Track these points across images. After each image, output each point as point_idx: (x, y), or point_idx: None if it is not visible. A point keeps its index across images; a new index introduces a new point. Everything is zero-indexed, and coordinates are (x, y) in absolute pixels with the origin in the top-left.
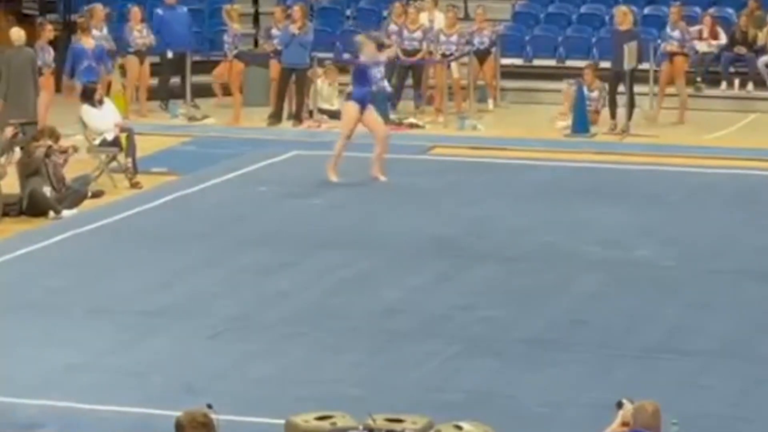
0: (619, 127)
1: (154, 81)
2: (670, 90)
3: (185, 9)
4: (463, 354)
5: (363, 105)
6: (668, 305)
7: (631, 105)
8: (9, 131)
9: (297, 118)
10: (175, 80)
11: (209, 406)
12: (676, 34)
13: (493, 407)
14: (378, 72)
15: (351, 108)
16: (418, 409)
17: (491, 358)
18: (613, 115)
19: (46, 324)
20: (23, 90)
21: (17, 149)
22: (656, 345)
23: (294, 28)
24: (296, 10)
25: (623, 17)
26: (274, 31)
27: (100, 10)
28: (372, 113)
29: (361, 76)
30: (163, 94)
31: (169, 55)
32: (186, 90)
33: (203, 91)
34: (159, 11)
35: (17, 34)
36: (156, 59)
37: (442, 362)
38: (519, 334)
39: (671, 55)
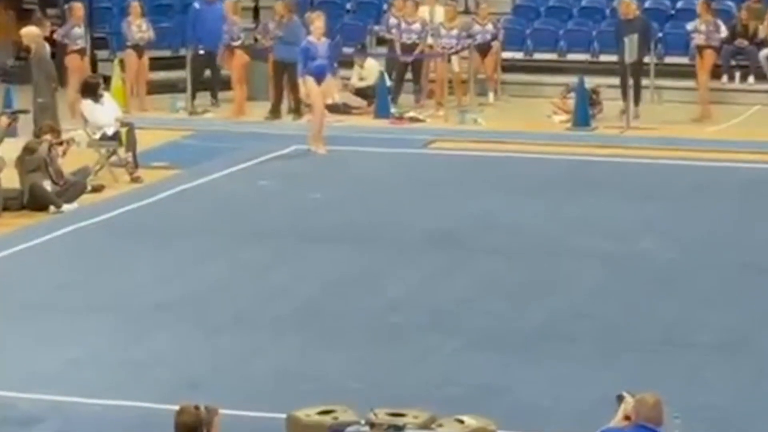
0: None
1: (157, 75)
2: (689, 84)
3: (221, 4)
4: (465, 348)
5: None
6: (671, 298)
7: (636, 97)
8: (3, 120)
9: (296, 112)
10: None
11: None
12: (704, 27)
13: (496, 401)
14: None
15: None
16: (419, 403)
17: (493, 352)
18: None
19: (47, 318)
20: None
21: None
22: (659, 338)
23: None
24: (277, 5)
25: (626, 8)
26: (271, 26)
27: (78, 8)
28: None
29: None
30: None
31: (201, 51)
32: (187, 84)
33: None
34: (196, 5)
35: None
36: (166, 53)
37: (445, 356)
38: (521, 328)
39: (700, 49)
